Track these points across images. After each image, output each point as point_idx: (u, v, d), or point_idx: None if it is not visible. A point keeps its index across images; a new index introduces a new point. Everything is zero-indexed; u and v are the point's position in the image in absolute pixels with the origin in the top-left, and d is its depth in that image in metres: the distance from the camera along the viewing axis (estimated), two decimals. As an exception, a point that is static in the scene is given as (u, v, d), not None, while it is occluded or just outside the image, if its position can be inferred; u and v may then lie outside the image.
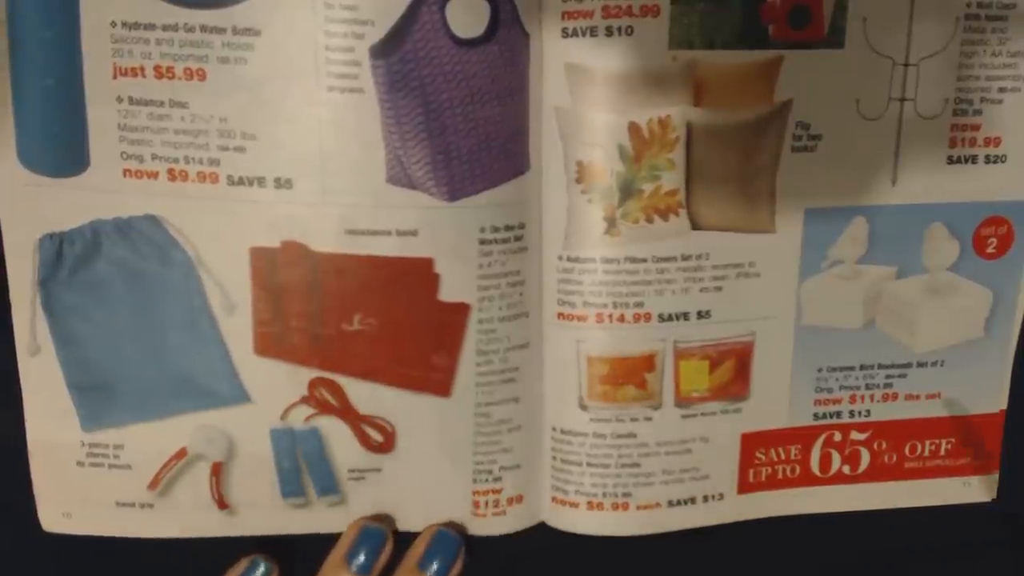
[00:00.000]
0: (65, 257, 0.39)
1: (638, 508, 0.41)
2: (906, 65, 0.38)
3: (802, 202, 0.39)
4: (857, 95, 0.38)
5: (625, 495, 0.41)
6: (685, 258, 0.39)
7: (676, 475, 0.41)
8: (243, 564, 0.39)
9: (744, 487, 0.43)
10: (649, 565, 0.43)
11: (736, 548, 0.44)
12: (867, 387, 0.42)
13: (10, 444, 0.41)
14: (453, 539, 0.40)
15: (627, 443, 0.41)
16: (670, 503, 0.42)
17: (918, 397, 0.43)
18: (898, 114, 0.38)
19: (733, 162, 0.38)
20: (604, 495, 0.41)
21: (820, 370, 0.42)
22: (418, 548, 0.40)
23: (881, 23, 0.37)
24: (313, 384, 0.39)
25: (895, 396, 0.42)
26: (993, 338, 0.42)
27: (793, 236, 0.39)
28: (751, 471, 0.42)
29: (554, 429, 0.41)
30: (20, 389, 0.40)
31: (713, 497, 0.42)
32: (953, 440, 0.43)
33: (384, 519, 0.40)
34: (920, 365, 0.42)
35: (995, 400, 0.43)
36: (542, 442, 0.42)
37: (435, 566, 0.39)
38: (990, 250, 0.41)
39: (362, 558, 0.39)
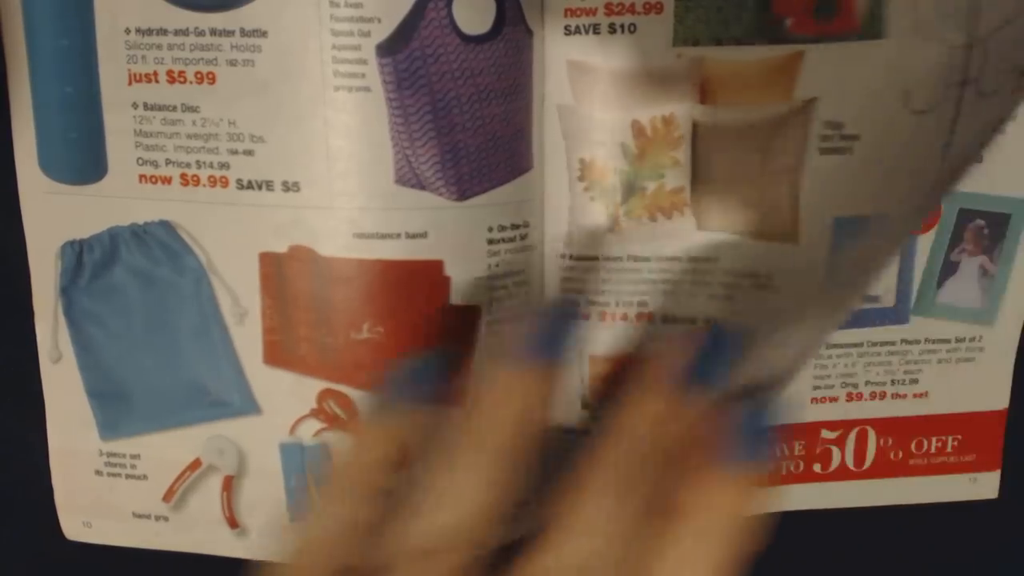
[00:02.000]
0: (85, 264, 0.37)
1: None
2: (970, 47, 0.32)
3: (831, 211, 0.35)
4: (904, 87, 0.33)
5: None
6: (691, 260, 0.36)
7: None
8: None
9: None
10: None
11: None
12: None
13: (37, 452, 0.39)
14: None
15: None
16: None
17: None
18: (956, 99, 0.32)
19: (746, 163, 0.35)
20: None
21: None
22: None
23: (936, 4, 0.32)
24: (322, 396, 0.37)
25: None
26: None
27: (819, 247, 0.35)
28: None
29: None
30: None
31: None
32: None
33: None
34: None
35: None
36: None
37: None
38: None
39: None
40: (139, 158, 0.36)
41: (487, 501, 0.26)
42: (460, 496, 0.26)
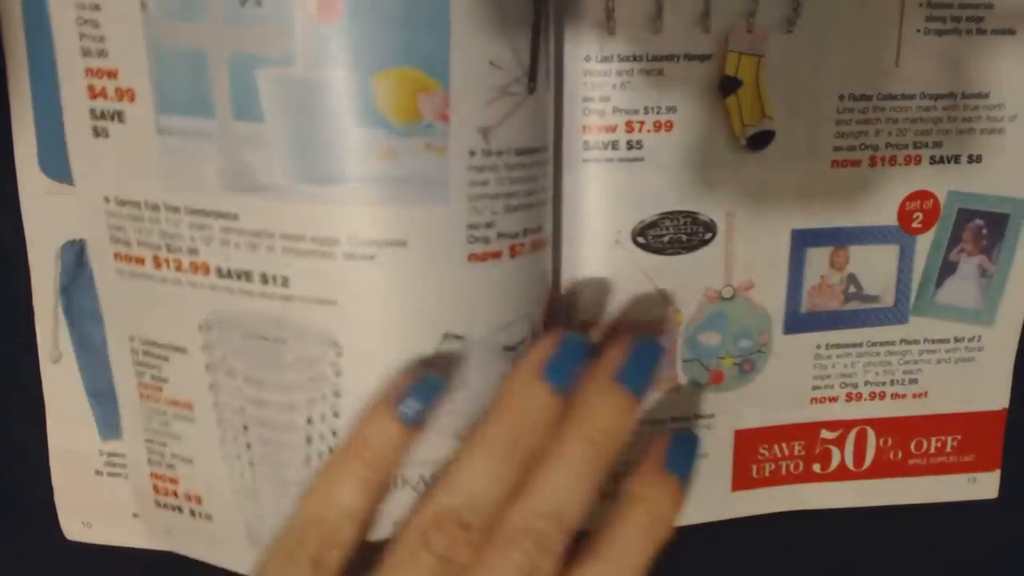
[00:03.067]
0: (85, 264, 0.36)
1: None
2: None
3: None
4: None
5: None
6: None
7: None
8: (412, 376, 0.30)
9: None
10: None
11: (734, 544, 0.41)
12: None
13: (37, 452, 0.39)
14: (654, 348, 0.31)
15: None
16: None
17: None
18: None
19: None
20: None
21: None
22: (614, 359, 0.30)
23: None
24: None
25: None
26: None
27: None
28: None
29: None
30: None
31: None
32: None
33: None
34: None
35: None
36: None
37: (634, 380, 0.30)
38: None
39: (560, 371, 0.29)
40: None
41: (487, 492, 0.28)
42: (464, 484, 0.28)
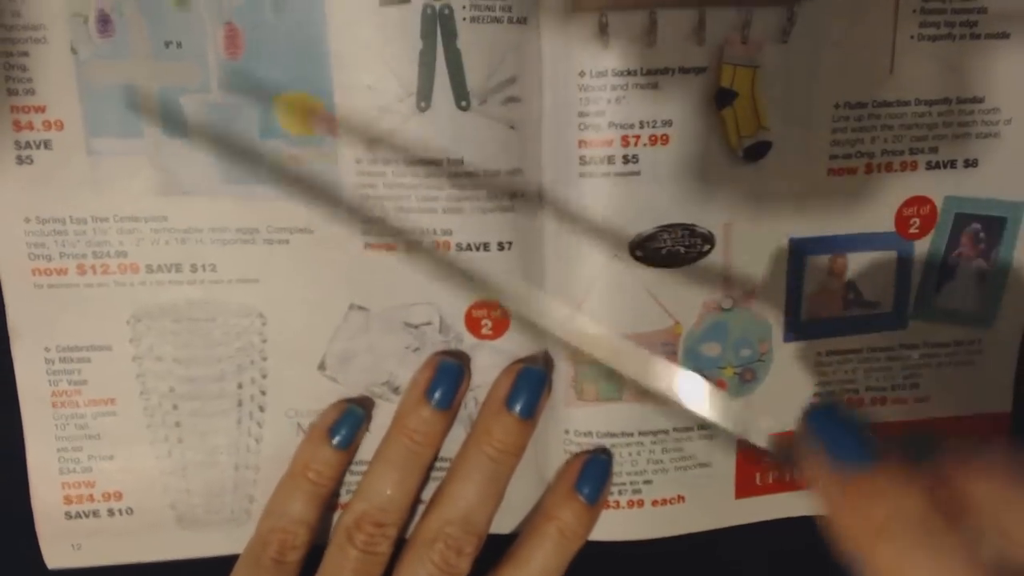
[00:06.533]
0: None
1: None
2: None
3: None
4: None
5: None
6: None
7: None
8: (339, 409, 0.36)
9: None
10: (639, 568, 0.41)
11: (739, 551, 0.41)
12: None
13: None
14: (537, 373, 0.36)
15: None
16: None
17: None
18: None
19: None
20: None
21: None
22: (503, 386, 0.36)
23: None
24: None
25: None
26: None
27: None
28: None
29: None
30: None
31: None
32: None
33: (459, 355, 0.36)
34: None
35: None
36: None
37: (521, 403, 0.35)
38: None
39: (439, 393, 0.35)
40: None
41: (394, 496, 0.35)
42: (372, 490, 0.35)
